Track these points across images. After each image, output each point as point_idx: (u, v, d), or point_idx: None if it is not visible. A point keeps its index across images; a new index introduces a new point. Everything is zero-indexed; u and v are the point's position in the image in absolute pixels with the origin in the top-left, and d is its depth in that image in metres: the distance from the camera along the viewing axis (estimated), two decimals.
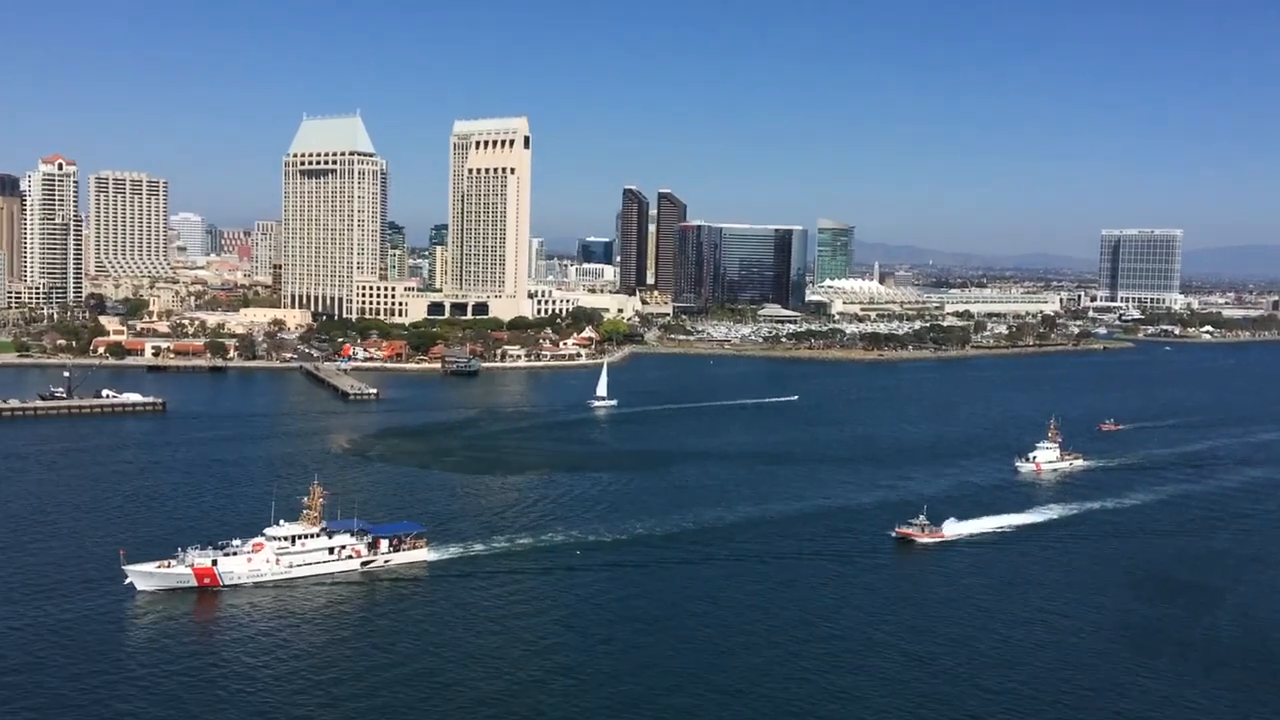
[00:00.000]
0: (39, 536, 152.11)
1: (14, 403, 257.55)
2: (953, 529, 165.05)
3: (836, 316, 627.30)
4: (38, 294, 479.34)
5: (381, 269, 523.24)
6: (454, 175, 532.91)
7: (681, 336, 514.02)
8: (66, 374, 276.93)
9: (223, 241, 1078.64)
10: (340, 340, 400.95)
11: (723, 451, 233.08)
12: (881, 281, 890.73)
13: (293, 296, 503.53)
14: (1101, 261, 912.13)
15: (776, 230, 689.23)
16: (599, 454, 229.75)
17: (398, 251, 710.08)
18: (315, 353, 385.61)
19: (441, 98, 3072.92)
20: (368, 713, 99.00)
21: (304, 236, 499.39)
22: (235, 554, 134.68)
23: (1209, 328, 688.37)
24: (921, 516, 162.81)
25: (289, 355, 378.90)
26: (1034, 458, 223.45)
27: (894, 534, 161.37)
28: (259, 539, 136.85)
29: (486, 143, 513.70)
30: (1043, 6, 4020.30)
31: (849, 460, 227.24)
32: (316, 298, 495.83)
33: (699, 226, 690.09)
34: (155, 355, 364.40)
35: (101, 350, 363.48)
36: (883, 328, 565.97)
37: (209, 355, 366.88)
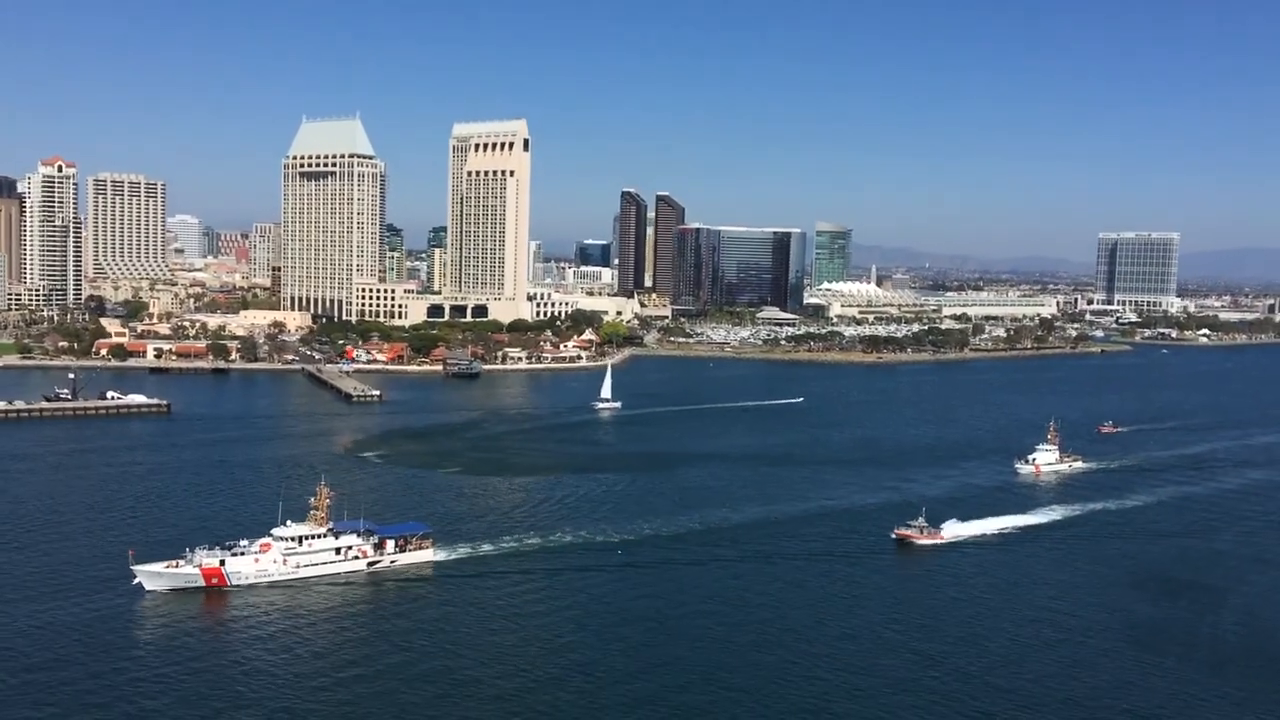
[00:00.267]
0: (50, 536, 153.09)
1: (20, 404, 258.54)
2: (953, 530, 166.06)
3: (834, 319, 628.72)
4: (37, 296, 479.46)
5: (380, 271, 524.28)
6: (453, 178, 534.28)
7: (681, 339, 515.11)
8: (72, 376, 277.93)
9: (220, 244, 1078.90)
10: (341, 342, 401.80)
11: (728, 453, 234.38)
12: (879, 284, 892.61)
13: (292, 299, 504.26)
14: (1098, 264, 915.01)
15: (774, 233, 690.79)
16: (605, 455, 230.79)
17: (396, 254, 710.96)
18: (317, 355, 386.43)
19: (438, 100, 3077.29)
20: (389, 710, 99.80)
21: (303, 239, 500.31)
22: (243, 554, 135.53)
23: (1206, 331, 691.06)
24: (920, 518, 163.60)
25: (290, 357, 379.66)
26: (1033, 459, 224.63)
27: (893, 535, 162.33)
28: (266, 539, 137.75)
29: (486, 145, 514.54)
30: (1039, 9, 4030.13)
31: (851, 462, 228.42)
32: (316, 300, 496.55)
33: (697, 229, 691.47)
34: (157, 357, 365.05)
35: (104, 352, 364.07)
36: (881, 330, 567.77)
37: (211, 357, 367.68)
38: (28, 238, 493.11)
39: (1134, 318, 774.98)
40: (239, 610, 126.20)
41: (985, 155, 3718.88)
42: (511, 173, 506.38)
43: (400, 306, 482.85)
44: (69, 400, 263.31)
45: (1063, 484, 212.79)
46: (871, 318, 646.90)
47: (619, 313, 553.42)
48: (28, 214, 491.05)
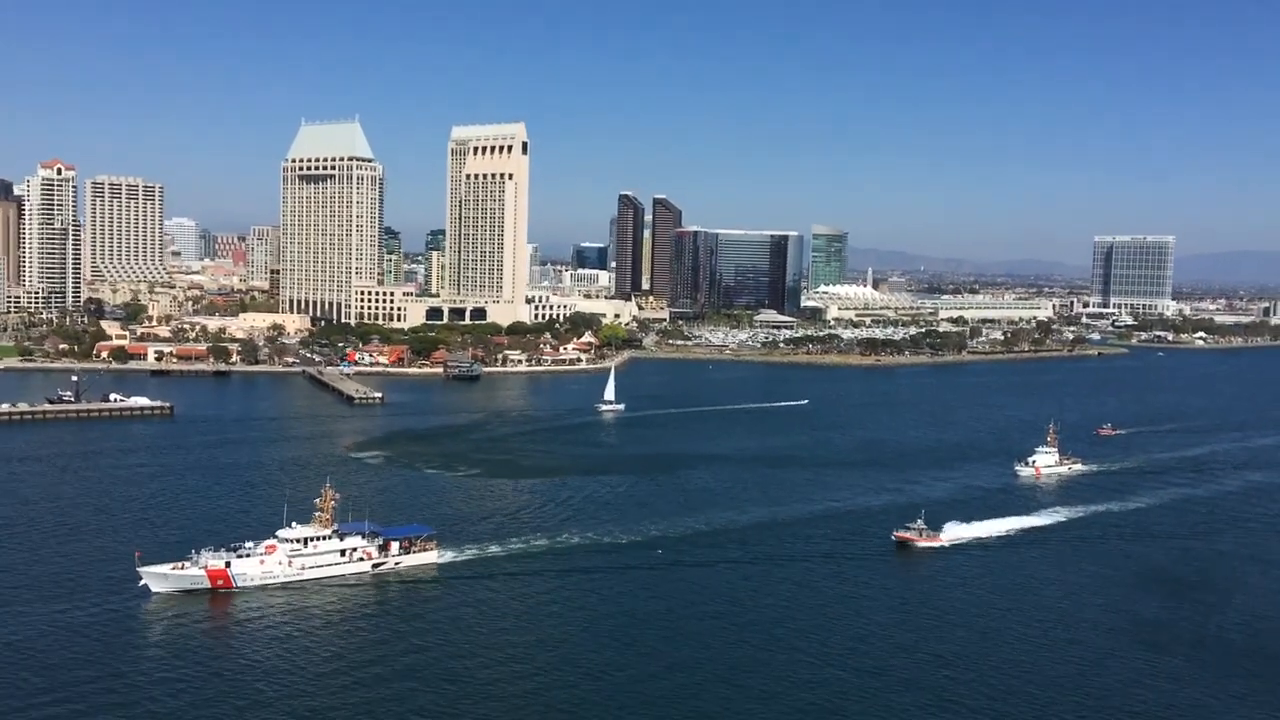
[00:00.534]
0: (59, 538, 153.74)
1: (23, 406, 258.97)
2: (954, 532, 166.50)
3: (832, 322, 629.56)
4: (36, 299, 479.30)
5: (378, 274, 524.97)
6: (452, 180, 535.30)
7: (679, 342, 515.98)
8: (75, 378, 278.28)
9: (216, 246, 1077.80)
10: (341, 345, 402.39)
11: (732, 455, 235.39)
12: (875, 287, 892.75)
13: (291, 301, 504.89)
14: (1094, 267, 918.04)
15: (772, 236, 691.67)
16: (610, 457, 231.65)
17: (394, 256, 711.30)
18: (317, 357, 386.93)
19: (434, 103, 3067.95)
20: (405, 712, 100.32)
21: (302, 241, 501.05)
22: (248, 556, 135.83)
23: (1202, 334, 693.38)
24: (919, 520, 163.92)
25: (291, 360, 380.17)
26: (1033, 462, 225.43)
27: (893, 538, 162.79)
28: (271, 541, 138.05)
29: (485, 148, 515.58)
30: (1033, 13, 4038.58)
31: (853, 464, 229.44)
32: (314, 302, 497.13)
33: (695, 232, 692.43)
34: (158, 360, 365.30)
35: (105, 355, 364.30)
36: (878, 333, 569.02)
37: (212, 360, 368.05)
38: (27, 240, 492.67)
39: (1130, 321, 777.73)
40: (245, 612, 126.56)
41: (980, 158, 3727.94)
42: (510, 175, 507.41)
43: (399, 309, 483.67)
44: (72, 403, 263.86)
45: (1063, 486, 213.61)
46: (868, 320, 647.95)
47: (617, 315, 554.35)
48: (27, 217, 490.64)
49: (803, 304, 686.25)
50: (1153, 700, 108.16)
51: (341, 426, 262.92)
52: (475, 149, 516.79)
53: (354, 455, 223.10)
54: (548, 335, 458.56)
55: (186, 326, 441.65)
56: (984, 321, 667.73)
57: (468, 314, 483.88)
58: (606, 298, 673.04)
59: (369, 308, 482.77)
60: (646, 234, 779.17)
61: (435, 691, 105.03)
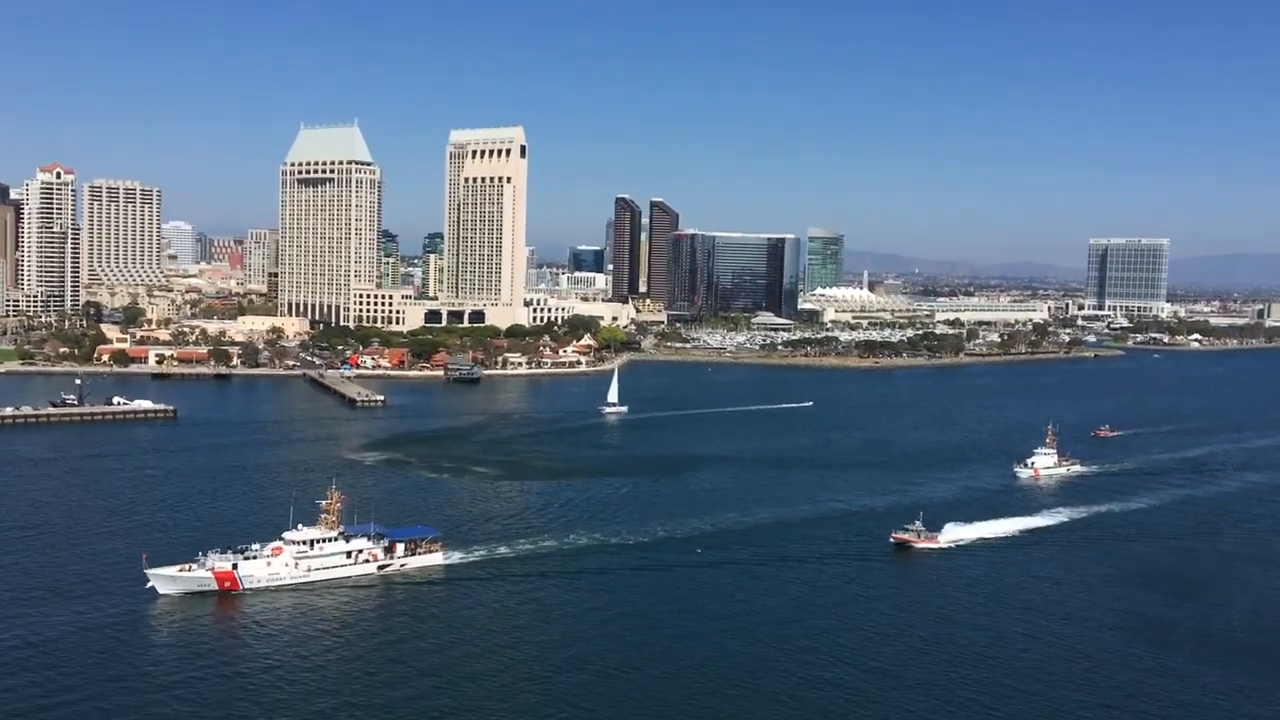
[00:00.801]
0: (70, 540, 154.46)
1: (27, 409, 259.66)
2: (953, 534, 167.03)
3: (829, 324, 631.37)
4: (35, 302, 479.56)
5: (377, 277, 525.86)
6: (450, 184, 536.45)
7: (678, 344, 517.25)
8: (78, 381, 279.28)
9: (212, 250, 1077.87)
10: (341, 348, 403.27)
11: (736, 456, 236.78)
12: (871, 290, 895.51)
13: (289, 304, 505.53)
14: (1089, 270, 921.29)
15: (769, 239, 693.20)
16: (616, 459, 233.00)
17: (391, 260, 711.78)
18: (317, 360, 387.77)
19: (430, 106, 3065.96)
20: (425, 715, 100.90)
21: (301, 245, 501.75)
22: (255, 558, 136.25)
23: (1197, 336, 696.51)
24: (917, 522, 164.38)
25: (291, 363, 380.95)
26: (1032, 463, 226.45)
27: (891, 539, 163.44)
28: (278, 543, 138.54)
29: (483, 152, 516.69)
30: (1026, 15, 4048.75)
31: (855, 465, 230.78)
32: (313, 305, 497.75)
33: (692, 235, 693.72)
34: (159, 363, 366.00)
35: (105, 358, 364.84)
36: (875, 335, 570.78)
37: (213, 363, 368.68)
38: (26, 244, 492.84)
39: (1125, 323, 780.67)
40: (252, 614, 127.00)
41: (975, 161, 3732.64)
42: (509, 179, 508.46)
43: (398, 312, 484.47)
44: (75, 406, 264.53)
45: (1062, 487, 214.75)
46: (865, 323, 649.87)
47: (615, 318, 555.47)
48: (26, 221, 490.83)
49: (800, 306, 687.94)
50: (1164, 698, 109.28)
51: (345, 429, 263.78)
52: (474, 152, 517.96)
53: (358, 458, 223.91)
54: (547, 338, 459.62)
55: (186, 330, 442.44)
56: (980, 324, 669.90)
57: (466, 317, 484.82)
58: (604, 300, 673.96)
59: (368, 311, 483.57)
60: (643, 237, 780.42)
61: (451, 692, 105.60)
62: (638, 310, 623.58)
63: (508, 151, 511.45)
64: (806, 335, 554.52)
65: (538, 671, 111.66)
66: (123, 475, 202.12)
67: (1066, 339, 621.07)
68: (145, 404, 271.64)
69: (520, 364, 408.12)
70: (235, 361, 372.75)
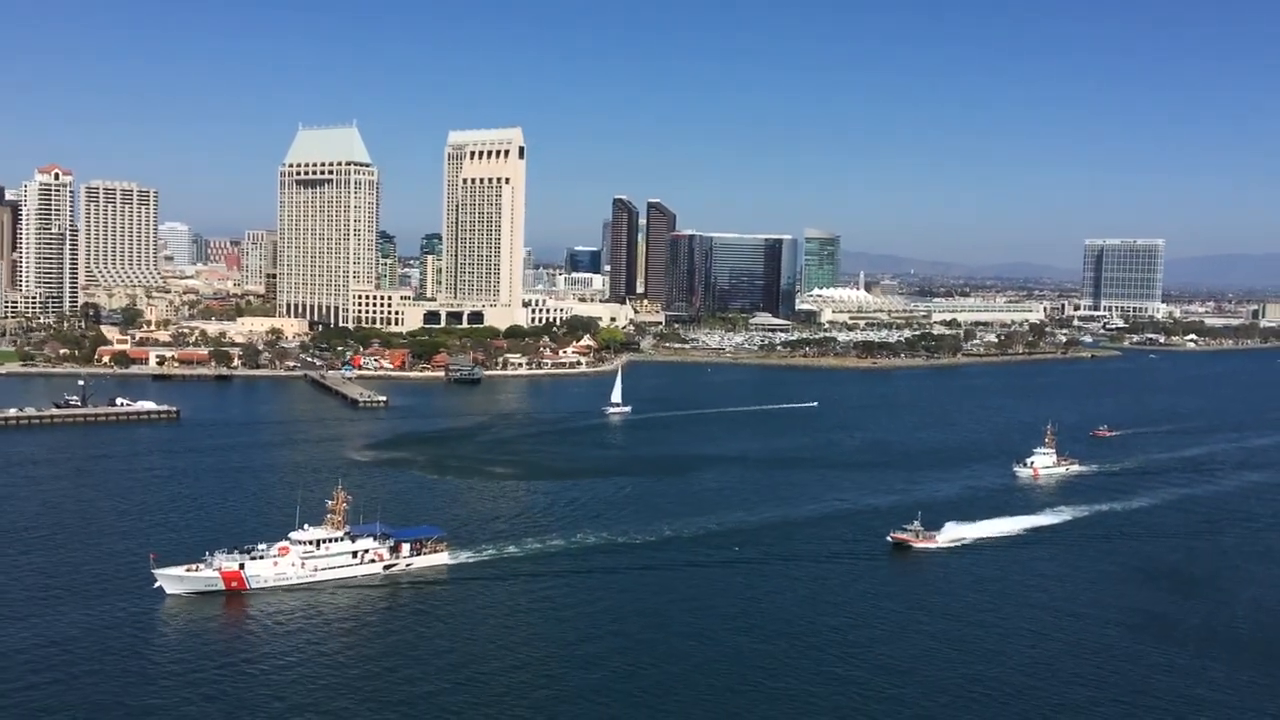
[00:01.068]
0: (79, 540, 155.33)
1: (30, 410, 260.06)
2: (952, 533, 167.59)
3: (826, 325, 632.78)
4: (33, 303, 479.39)
5: (376, 278, 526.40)
6: (448, 185, 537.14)
7: (677, 345, 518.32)
8: (81, 383, 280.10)
9: (208, 251, 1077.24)
10: (341, 349, 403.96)
11: (741, 456, 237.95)
12: (868, 290, 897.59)
13: (288, 305, 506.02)
14: (1085, 271, 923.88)
15: (766, 240, 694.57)
16: (621, 459, 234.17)
17: (388, 260, 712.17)
18: (318, 361, 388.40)
19: (428, 106, 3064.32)
20: (442, 715, 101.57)
21: (299, 245, 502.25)
22: (262, 558, 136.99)
23: (1193, 336, 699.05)
24: (916, 522, 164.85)
25: (292, 364, 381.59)
26: (1031, 463, 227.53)
27: (889, 539, 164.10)
28: (284, 543, 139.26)
29: (481, 153, 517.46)
30: (1021, 16, 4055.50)
31: (857, 465, 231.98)
32: (312, 306, 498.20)
33: (690, 236, 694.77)
34: (160, 364, 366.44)
35: (106, 359, 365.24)
36: (873, 336, 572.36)
37: (214, 364, 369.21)
38: (23, 245, 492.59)
39: (1121, 323, 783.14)
40: (261, 613, 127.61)
41: (970, 162, 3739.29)
42: (507, 180, 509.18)
43: (397, 313, 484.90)
44: (79, 407, 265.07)
45: (1061, 487, 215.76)
46: (863, 323, 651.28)
47: (613, 319, 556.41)
48: (24, 222, 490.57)
49: (797, 307, 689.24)
50: (1174, 694, 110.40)
51: (348, 430, 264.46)
52: (472, 153, 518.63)
53: (363, 458, 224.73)
54: (546, 339, 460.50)
55: (186, 331, 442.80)
56: (976, 324, 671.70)
57: (465, 318, 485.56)
58: (601, 301, 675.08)
59: (366, 312, 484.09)
60: (640, 237, 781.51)
61: (470, 689, 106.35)
62: (635, 311, 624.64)
63: (506, 153, 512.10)
64: (805, 336, 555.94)
65: (555, 670, 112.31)
66: (129, 476, 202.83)
67: (1063, 339, 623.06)
68: (148, 405, 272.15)
69: (520, 365, 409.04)
70: (236, 363, 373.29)
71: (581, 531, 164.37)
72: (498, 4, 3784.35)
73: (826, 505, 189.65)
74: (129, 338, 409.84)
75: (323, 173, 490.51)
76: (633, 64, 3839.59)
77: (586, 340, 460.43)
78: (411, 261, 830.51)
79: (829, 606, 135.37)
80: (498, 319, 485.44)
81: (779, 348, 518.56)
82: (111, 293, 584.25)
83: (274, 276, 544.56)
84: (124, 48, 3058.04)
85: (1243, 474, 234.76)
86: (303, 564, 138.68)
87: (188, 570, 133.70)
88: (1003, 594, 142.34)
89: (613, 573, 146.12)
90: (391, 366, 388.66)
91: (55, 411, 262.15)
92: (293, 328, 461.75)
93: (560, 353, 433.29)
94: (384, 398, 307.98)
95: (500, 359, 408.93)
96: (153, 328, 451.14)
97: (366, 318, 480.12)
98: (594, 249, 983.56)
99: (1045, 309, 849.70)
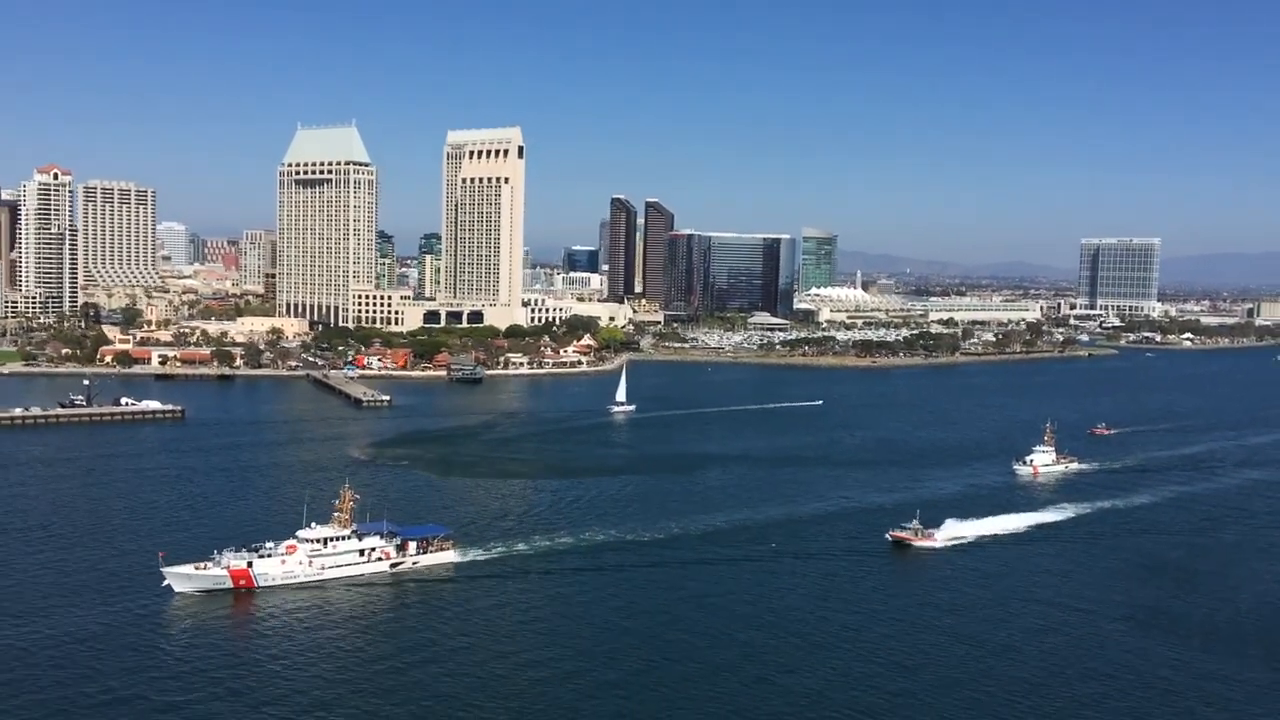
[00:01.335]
0: (90, 538, 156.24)
1: (36, 410, 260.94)
2: (951, 531, 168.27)
3: (825, 324, 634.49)
4: (33, 303, 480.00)
5: (374, 278, 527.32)
6: (447, 184, 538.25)
7: (676, 344, 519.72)
8: (86, 383, 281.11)
9: (206, 251, 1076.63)
10: (343, 349, 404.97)
11: (746, 454, 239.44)
12: (865, 289, 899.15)
13: (287, 305, 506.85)
14: (1081, 270, 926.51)
15: (764, 239, 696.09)
16: (627, 457, 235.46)
17: (387, 260, 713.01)
18: (319, 361, 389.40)
19: (428, 106, 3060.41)
20: (453, 715, 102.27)
21: (299, 245, 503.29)
22: (270, 556, 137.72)
23: (1189, 335, 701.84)
24: (915, 520, 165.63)
25: (294, 364, 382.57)
26: (1031, 461, 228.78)
27: (888, 537, 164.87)
28: (292, 541, 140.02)
29: (481, 153, 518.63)
30: (1018, 16, 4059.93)
31: (860, 463, 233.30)
32: (312, 306, 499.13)
33: (689, 235, 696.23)
34: (162, 364, 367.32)
35: (108, 359, 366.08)
36: (871, 335, 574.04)
37: (216, 364, 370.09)
38: (21, 245, 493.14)
39: (1117, 322, 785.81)
40: (269, 611, 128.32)
41: (971, 161, 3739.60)
42: (506, 180, 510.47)
43: (397, 313, 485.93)
44: (84, 406, 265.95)
45: (1061, 484, 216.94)
46: (860, 322, 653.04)
47: (613, 318, 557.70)
48: (23, 222, 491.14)
49: (795, 306, 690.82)
50: (1182, 689, 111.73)
51: (353, 429, 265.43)
52: (471, 153, 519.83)
53: (368, 457, 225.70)
54: (547, 338, 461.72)
55: (187, 330, 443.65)
56: (974, 323, 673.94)
57: (465, 317, 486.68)
58: (600, 301, 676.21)
59: (366, 311, 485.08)
60: (638, 237, 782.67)
61: (488, 688, 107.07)
62: (634, 310, 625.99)
63: (505, 152, 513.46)
64: (803, 335, 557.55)
65: (573, 667, 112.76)
66: (137, 475, 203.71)
67: (1060, 338, 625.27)
68: (153, 404, 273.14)
69: (522, 364, 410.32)
70: (238, 362, 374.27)
71: (590, 529, 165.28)
72: (497, 4, 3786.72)
73: (831, 503, 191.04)
74: (130, 338, 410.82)
75: (322, 172, 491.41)
76: (632, 64, 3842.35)
77: (587, 340, 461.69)
78: (410, 261, 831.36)
79: (838, 603, 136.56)
80: (497, 319, 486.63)
81: (778, 347, 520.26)
82: (111, 293, 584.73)
83: (273, 276, 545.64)
84: (123, 48, 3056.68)
85: (1241, 471, 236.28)
86: (310, 562, 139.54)
87: (196, 568, 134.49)
88: (1008, 590, 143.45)
89: (622, 570, 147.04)
90: (395, 366, 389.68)
91: (61, 411, 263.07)
92: (293, 327, 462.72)
93: (561, 352, 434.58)
94: (387, 397, 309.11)
95: (501, 359, 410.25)
96: (153, 328, 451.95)
97: (366, 317, 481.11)
98: (591, 249, 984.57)
99: (1041, 308, 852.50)
